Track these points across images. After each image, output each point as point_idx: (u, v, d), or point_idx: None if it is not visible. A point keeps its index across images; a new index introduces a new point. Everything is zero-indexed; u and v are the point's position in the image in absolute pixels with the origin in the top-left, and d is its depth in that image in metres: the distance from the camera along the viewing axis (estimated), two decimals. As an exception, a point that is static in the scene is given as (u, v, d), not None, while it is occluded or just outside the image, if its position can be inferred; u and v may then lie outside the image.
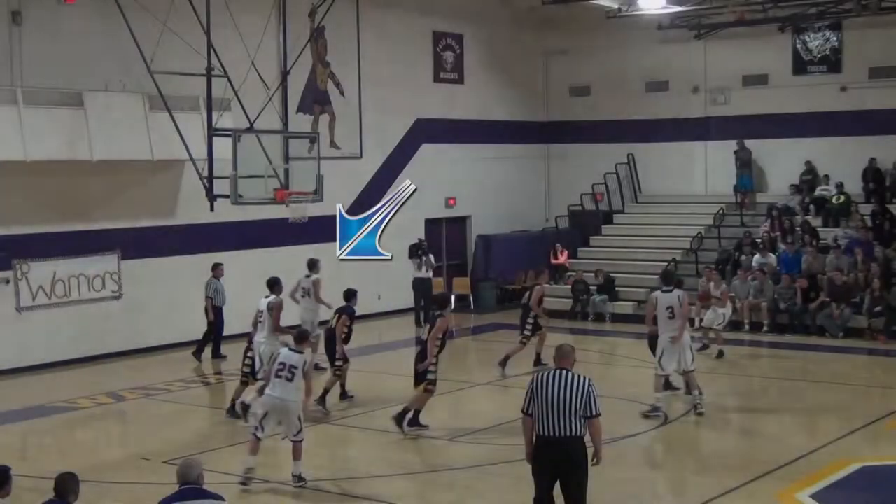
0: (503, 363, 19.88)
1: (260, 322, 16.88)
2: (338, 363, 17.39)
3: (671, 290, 16.63)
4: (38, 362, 20.78)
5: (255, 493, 13.03)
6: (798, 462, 13.89)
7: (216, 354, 21.89)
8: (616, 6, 28.84)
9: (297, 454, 13.30)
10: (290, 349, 13.64)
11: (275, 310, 16.84)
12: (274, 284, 17.39)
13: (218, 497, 8.31)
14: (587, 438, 10.11)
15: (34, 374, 20.51)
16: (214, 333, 21.79)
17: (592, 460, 10.18)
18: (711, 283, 21.91)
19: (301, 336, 13.99)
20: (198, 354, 21.66)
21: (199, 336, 21.81)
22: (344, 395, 17.80)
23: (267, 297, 17.09)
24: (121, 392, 18.81)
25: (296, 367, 13.35)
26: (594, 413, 9.95)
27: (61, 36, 20.93)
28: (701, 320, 21.92)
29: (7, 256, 20.51)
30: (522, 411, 10.16)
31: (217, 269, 21.86)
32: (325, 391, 17.15)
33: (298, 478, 13.23)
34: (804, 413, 17.38)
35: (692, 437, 15.72)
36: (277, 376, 13.36)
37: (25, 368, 20.55)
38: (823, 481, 13.05)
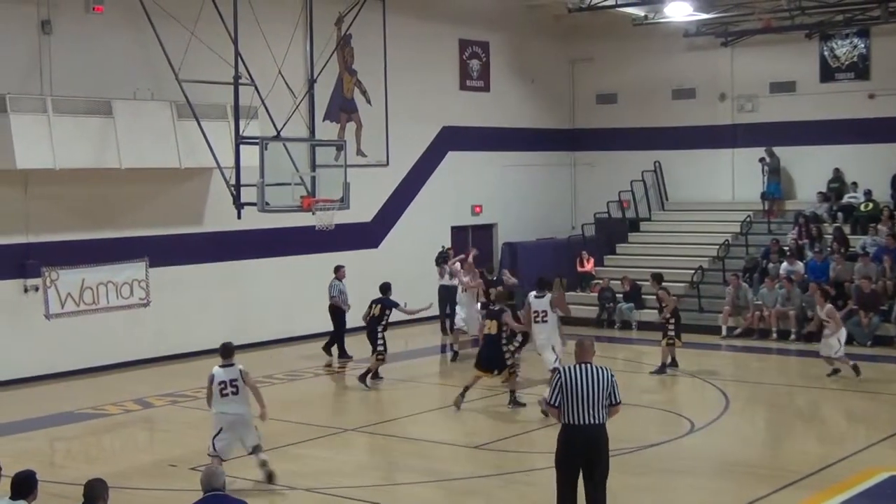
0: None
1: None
2: (380, 348, 19.72)
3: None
4: (67, 369, 20.91)
5: (279, 500, 13.08)
6: (825, 471, 13.82)
7: (342, 354, 22.48)
8: (643, 14, 28.84)
9: (263, 462, 13.44)
10: (220, 366, 13.54)
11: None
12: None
13: (242, 502, 8.37)
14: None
15: (62, 380, 20.63)
16: (337, 333, 22.40)
17: None
18: (817, 307, 20.40)
19: (226, 351, 13.76)
20: (328, 349, 22.49)
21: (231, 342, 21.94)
22: (376, 375, 19.81)
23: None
24: (148, 399, 18.90)
25: (236, 380, 13.43)
26: (617, 401, 10.73)
27: (90, 45, 21.09)
28: (731, 328, 21.83)
29: (36, 264, 20.65)
30: (550, 403, 10.76)
31: (339, 270, 22.51)
32: (368, 371, 19.65)
33: (263, 461, 13.43)
34: (831, 422, 17.31)
35: (717, 446, 15.65)
36: (223, 395, 13.39)
37: (54, 375, 20.68)
38: (850, 491, 12.97)
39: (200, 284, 22.96)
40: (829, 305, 20.06)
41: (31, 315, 20.64)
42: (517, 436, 15.85)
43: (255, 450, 13.51)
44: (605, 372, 10.69)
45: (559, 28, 31.66)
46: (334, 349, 22.60)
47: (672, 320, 20.51)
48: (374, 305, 20.11)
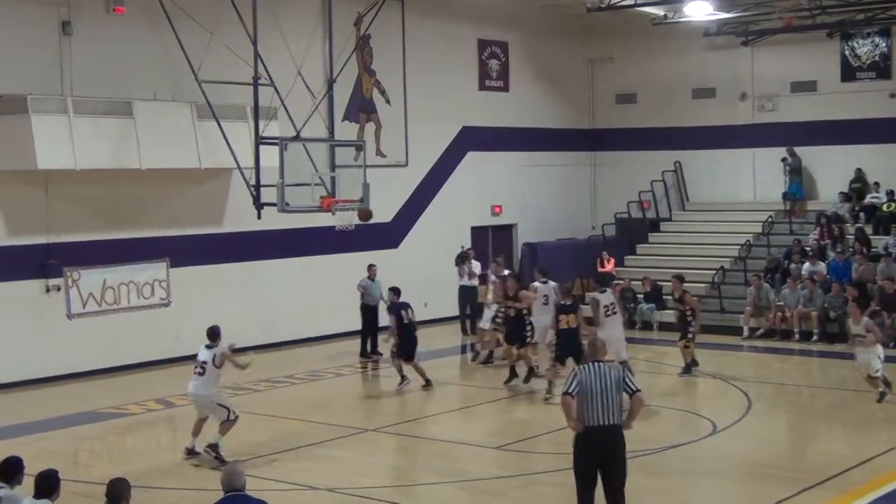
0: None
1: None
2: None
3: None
4: (89, 368, 20.98)
5: (300, 499, 13.09)
6: (848, 473, 13.74)
7: (373, 351, 22.72)
8: (662, 13, 28.76)
9: (223, 430, 14.59)
10: (205, 346, 14.81)
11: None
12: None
13: (263, 502, 8.36)
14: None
15: (84, 380, 20.70)
16: (368, 332, 22.65)
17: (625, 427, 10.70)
18: (850, 320, 18.83)
19: (211, 333, 14.92)
20: (364, 352, 22.69)
21: (249, 342, 21.98)
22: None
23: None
24: (170, 398, 18.93)
25: (206, 362, 14.66)
26: (634, 390, 10.70)
27: (110, 46, 21.15)
28: (752, 329, 21.70)
29: (58, 264, 20.73)
30: (565, 392, 10.66)
31: (371, 269, 22.77)
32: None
33: (214, 447, 14.42)
34: (855, 423, 17.18)
35: (739, 447, 15.57)
36: (194, 372, 14.76)
37: (76, 374, 20.75)
38: (873, 493, 12.89)
39: (221, 284, 23.00)
40: (866, 318, 18.49)
41: (52, 315, 20.71)
42: (539, 436, 15.82)
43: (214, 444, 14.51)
44: (614, 371, 10.74)
45: (578, 28, 31.60)
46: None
47: (693, 321, 20.42)
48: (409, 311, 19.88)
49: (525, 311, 19.64)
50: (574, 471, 10.84)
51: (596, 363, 10.78)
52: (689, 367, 20.27)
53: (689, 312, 20.37)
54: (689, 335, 20.27)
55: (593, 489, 10.72)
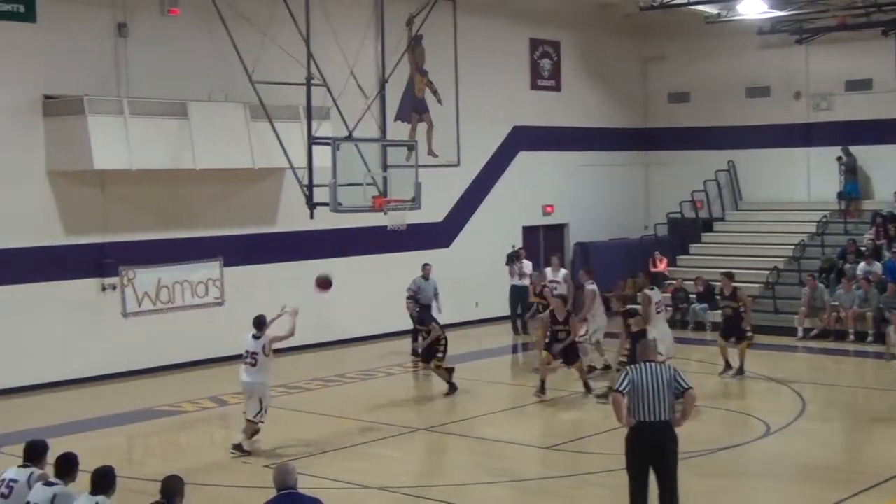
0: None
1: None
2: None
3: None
4: (143, 367, 21.19)
5: (351, 498, 13.15)
6: (904, 475, 13.61)
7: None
8: (716, 11, 28.56)
9: (247, 430, 15.06)
10: (252, 336, 15.26)
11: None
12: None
13: (316, 500, 8.42)
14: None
15: (139, 378, 20.91)
16: (420, 331, 22.40)
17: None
18: (891, 328, 18.67)
19: (259, 322, 15.43)
20: (416, 351, 22.31)
21: (301, 341, 22.14)
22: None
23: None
24: (223, 396, 19.08)
25: (256, 353, 15.09)
26: (686, 387, 10.72)
27: (166, 47, 21.35)
28: (807, 330, 21.39)
29: (114, 263, 20.95)
30: (617, 389, 10.73)
31: (425, 268, 22.84)
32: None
33: (238, 448, 14.97)
34: (910, 425, 17.00)
35: (793, 449, 15.45)
36: (244, 362, 15.13)
37: (131, 373, 20.97)
38: (931, 495, 12.78)
39: (273, 284, 23.09)
40: None
41: (108, 314, 20.95)
42: (590, 437, 15.77)
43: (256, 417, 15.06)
44: (667, 368, 10.83)
45: (631, 27, 31.47)
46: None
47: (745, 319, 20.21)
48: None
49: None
50: (626, 468, 10.87)
51: (647, 363, 10.83)
52: (742, 368, 20.05)
53: (742, 309, 20.16)
54: (749, 335, 20.07)
55: (646, 486, 10.74)
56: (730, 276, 20.70)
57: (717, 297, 22.49)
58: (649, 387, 10.55)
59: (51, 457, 9.73)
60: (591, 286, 20.71)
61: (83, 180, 20.38)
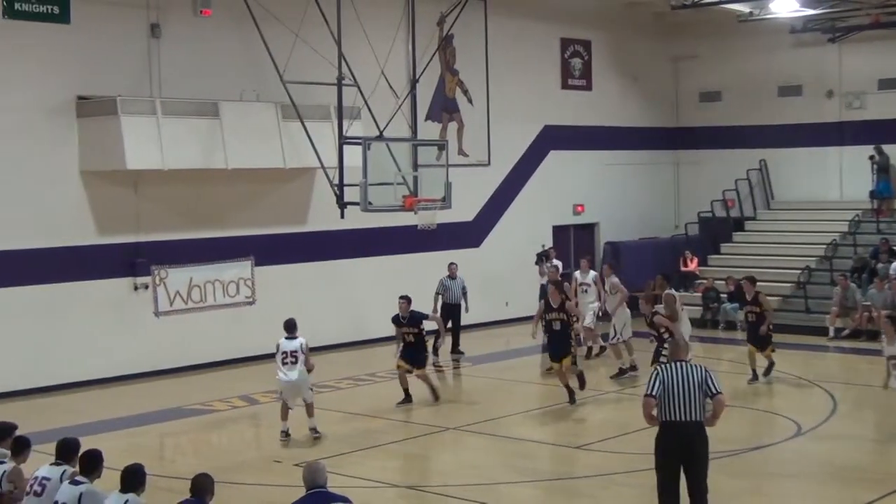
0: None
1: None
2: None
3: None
4: (175, 365, 21.33)
5: (380, 497, 13.20)
6: (936, 476, 13.53)
7: (454, 349, 22.91)
8: (748, 10, 28.44)
9: (310, 412, 15.90)
10: (286, 338, 15.88)
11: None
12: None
13: (345, 499, 8.47)
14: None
15: (171, 377, 21.06)
16: (448, 330, 22.64)
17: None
18: (884, 338, 16.62)
19: (291, 325, 16.06)
20: (435, 351, 21.74)
21: (331, 341, 22.26)
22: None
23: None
24: (254, 395, 19.19)
25: (295, 351, 15.75)
26: (716, 391, 10.62)
27: (198, 48, 21.49)
28: (838, 330, 21.26)
29: (146, 262, 21.10)
30: (648, 394, 10.65)
31: (451, 267, 22.90)
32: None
33: (314, 430, 15.82)
34: (943, 426, 16.87)
35: (824, 449, 15.38)
36: (284, 363, 15.74)
37: (162, 372, 21.13)
38: (963, 496, 12.69)
39: (304, 283, 23.24)
40: None
41: (140, 313, 21.09)
42: (618, 436, 15.75)
43: (309, 408, 15.93)
44: (699, 369, 10.71)
45: (662, 26, 31.39)
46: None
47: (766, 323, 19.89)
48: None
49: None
50: (655, 468, 10.84)
51: (678, 363, 10.78)
52: (769, 369, 19.78)
53: (766, 313, 19.85)
54: (771, 342, 19.74)
55: (677, 487, 10.70)
56: (751, 281, 20.40)
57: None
58: (680, 387, 10.51)
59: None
60: (614, 279, 20.84)
61: (116, 180, 20.54)
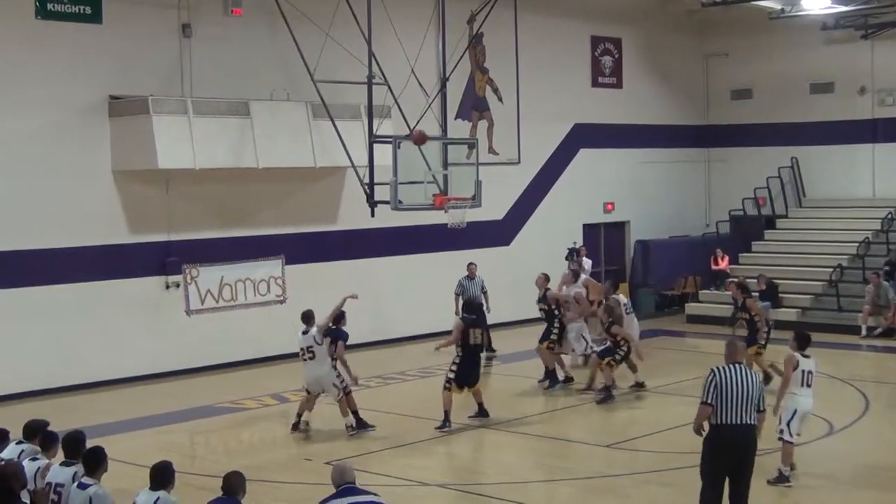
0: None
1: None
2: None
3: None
4: (206, 364, 21.42)
5: (412, 496, 13.22)
6: (970, 476, 13.42)
7: (487, 348, 22.41)
8: (779, 7, 28.33)
9: (343, 410, 15.79)
10: (301, 333, 15.89)
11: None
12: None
13: (375, 494, 8.50)
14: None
15: (202, 375, 21.16)
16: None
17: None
18: None
19: (307, 317, 16.00)
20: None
21: (361, 339, 22.27)
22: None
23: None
24: (284, 394, 19.25)
25: (311, 346, 15.72)
26: (763, 408, 10.77)
27: (229, 47, 21.58)
28: (871, 328, 21.00)
29: (177, 261, 21.21)
30: (704, 402, 10.56)
31: (469, 268, 22.72)
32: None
33: (351, 427, 15.75)
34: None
35: (856, 448, 15.30)
36: (303, 360, 15.84)
37: (194, 370, 21.22)
38: None
39: (335, 282, 23.17)
40: None
41: (172, 311, 21.21)
42: (650, 435, 15.73)
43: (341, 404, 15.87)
44: (755, 375, 10.72)
45: (692, 23, 31.27)
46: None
47: (761, 327, 19.30)
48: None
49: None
50: (701, 471, 10.73)
51: (735, 365, 10.68)
52: (766, 377, 19.20)
53: (756, 318, 19.30)
54: (762, 342, 19.14)
55: (722, 490, 10.61)
56: (740, 287, 20.01)
57: (783, 297, 22.19)
58: (735, 390, 10.44)
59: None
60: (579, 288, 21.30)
61: (148, 179, 20.65)
